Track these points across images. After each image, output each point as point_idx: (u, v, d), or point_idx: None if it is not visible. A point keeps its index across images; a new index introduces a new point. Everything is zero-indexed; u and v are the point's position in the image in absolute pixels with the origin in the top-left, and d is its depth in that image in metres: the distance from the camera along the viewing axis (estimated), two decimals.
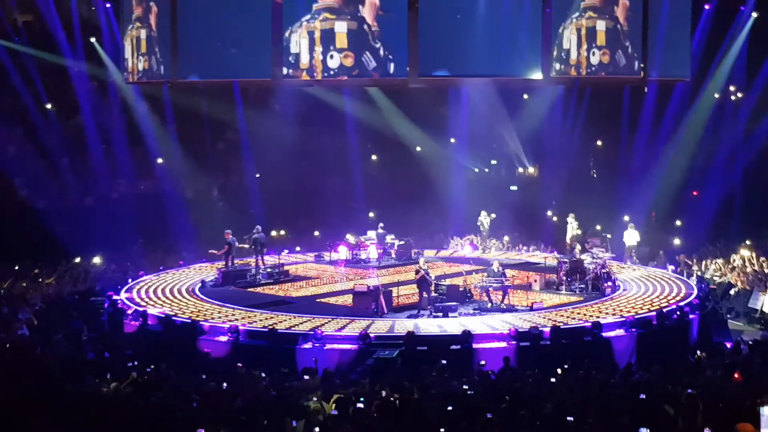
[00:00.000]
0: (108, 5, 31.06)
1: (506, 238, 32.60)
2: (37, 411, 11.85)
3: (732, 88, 35.65)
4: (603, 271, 23.77)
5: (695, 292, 23.46)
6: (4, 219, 30.57)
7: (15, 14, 32.74)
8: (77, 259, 29.28)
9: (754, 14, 31.61)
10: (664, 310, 21.04)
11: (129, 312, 21.75)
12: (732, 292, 25.88)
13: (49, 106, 33.67)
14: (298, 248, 32.46)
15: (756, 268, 26.80)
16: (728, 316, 24.55)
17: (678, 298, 22.64)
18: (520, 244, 32.83)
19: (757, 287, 25.19)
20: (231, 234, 26.24)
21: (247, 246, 26.68)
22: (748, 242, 29.68)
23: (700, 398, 11.51)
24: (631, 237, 29.40)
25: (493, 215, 32.57)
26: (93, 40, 32.65)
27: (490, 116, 37.77)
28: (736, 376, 14.17)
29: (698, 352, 19.12)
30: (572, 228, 30.71)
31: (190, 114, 33.66)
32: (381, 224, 29.41)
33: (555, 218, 35.34)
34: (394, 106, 35.98)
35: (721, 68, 33.10)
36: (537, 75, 25.28)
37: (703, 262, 28.79)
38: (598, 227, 31.66)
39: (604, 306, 21.81)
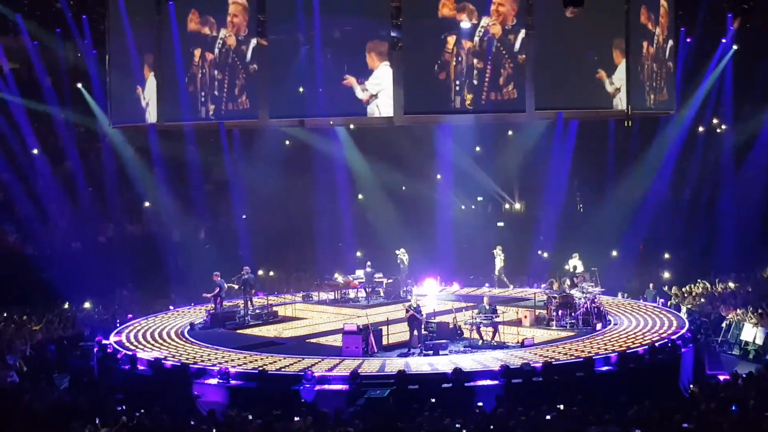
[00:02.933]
0: (94, 51, 31.19)
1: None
2: None
3: (716, 121, 35.97)
4: (593, 305, 23.74)
5: (687, 325, 23.43)
6: None
7: (2, 62, 32.80)
8: (66, 305, 29.13)
9: (735, 47, 31.98)
10: (656, 344, 20.98)
11: (119, 356, 21.62)
12: (724, 324, 25.90)
13: (35, 151, 33.64)
14: (288, 291, 32.26)
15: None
16: (721, 348, 24.54)
17: (670, 332, 22.61)
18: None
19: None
20: (219, 276, 26.15)
21: (236, 287, 26.59)
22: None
23: None
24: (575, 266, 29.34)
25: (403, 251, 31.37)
26: (80, 85, 32.76)
27: (476, 153, 38.01)
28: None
29: (691, 386, 19.07)
30: (500, 260, 31.12)
31: (176, 157, 33.69)
32: (369, 263, 29.32)
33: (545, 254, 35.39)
34: (377, 145, 36.00)
35: (698, 100, 33.35)
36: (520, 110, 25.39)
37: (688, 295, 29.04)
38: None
39: (596, 341, 21.76)
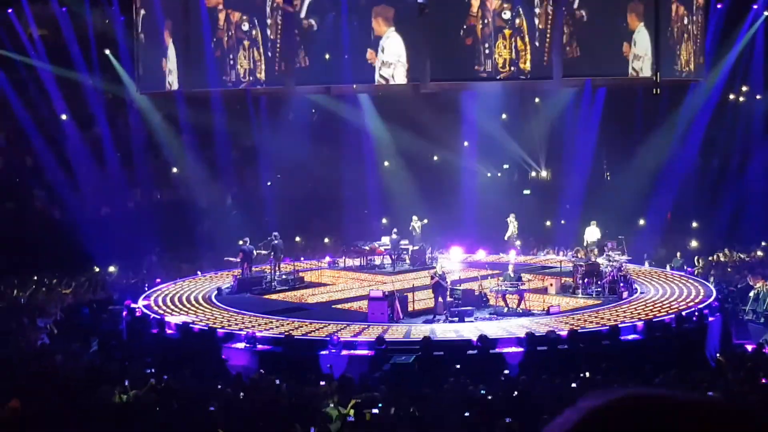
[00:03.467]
0: (122, 18, 31.27)
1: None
2: (59, 419, 11.93)
3: (746, 88, 35.55)
4: (620, 274, 23.66)
5: (714, 294, 23.32)
6: (23, 229, 30.77)
7: (31, 28, 32.99)
8: (96, 269, 29.43)
9: (766, 13, 31.54)
10: (683, 312, 20.92)
11: (149, 320, 21.84)
12: (751, 294, 25.73)
13: (64, 117, 33.85)
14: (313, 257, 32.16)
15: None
16: (748, 318, 24.42)
17: (697, 301, 22.52)
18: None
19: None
20: (248, 242, 26.29)
21: (264, 252, 26.71)
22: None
23: None
24: (592, 234, 29.22)
25: (425, 220, 31.31)
26: (107, 52, 32.88)
27: (502, 121, 37.82)
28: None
29: (718, 355, 19.03)
30: (513, 227, 30.95)
31: (203, 124, 33.79)
32: (395, 230, 29.29)
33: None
34: (402, 112, 35.79)
35: (728, 66, 32.97)
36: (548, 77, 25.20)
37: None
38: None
39: (622, 309, 21.73)
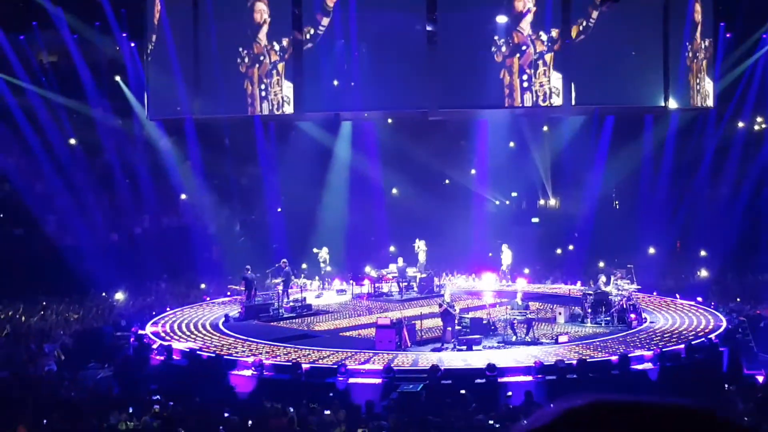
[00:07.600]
0: (132, 44, 31.43)
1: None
2: None
3: (760, 119, 35.50)
4: (629, 303, 23.52)
5: (724, 323, 23.16)
6: (32, 255, 30.76)
7: (42, 55, 33.22)
8: (103, 295, 29.39)
9: None
10: (693, 342, 20.76)
11: (154, 347, 21.74)
12: (762, 323, 25.53)
13: (73, 141, 33.93)
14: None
15: None
16: (759, 348, 24.22)
17: (707, 330, 22.37)
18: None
19: None
20: (250, 270, 26.19)
21: (277, 281, 26.62)
22: None
23: None
24: (507, 256, 29.70)
25: (325, 249, 30.53)
26: (118, 78, 33.00)
27: (511, 147, 37.81)
28: None
29: (727, 385, 18.86)
30: (422, 252, 30.05)
31: (212, 150, 33.85)
32: (401, 258, 29.22)
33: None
34: (410, 140, 35.85)
35: (738, 95, 33.03)
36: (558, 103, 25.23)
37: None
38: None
39: (631, 338, 21.58)
